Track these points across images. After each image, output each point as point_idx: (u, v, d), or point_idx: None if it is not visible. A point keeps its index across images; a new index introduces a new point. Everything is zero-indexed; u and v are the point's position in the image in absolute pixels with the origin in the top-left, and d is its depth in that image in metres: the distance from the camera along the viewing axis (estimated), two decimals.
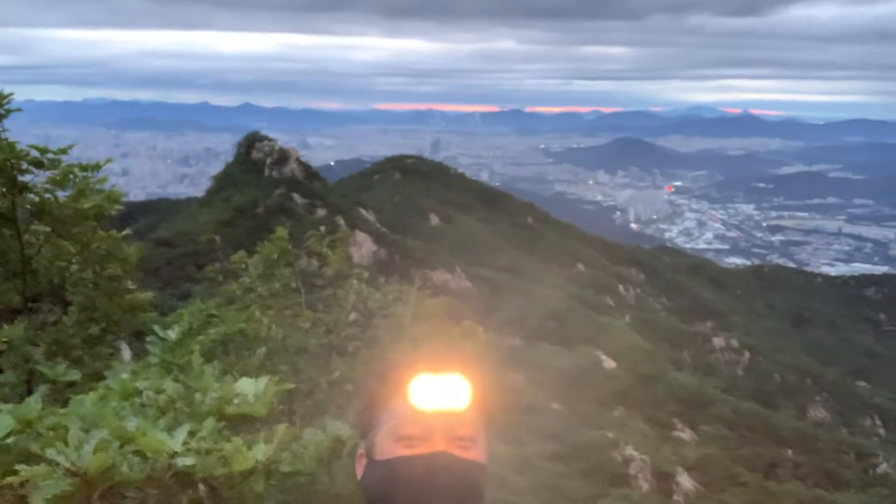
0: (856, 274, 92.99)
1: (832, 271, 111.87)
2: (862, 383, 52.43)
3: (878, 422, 46.83)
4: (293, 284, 4.95)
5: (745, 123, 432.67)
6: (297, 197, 56.13)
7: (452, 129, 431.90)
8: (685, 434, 38.73)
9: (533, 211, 76.81)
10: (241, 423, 2.08)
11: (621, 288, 63.51)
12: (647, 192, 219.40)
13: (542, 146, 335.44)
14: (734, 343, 53.84)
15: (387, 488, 1.36)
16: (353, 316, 4.90)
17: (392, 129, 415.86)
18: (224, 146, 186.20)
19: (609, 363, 44.18)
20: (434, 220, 66.81)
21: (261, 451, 1.87)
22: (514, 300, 47.09)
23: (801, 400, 48.06)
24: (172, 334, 2.41)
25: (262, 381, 2.05)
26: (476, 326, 4.68)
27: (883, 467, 36.07)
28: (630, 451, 30.84)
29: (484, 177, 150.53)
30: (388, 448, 1.38)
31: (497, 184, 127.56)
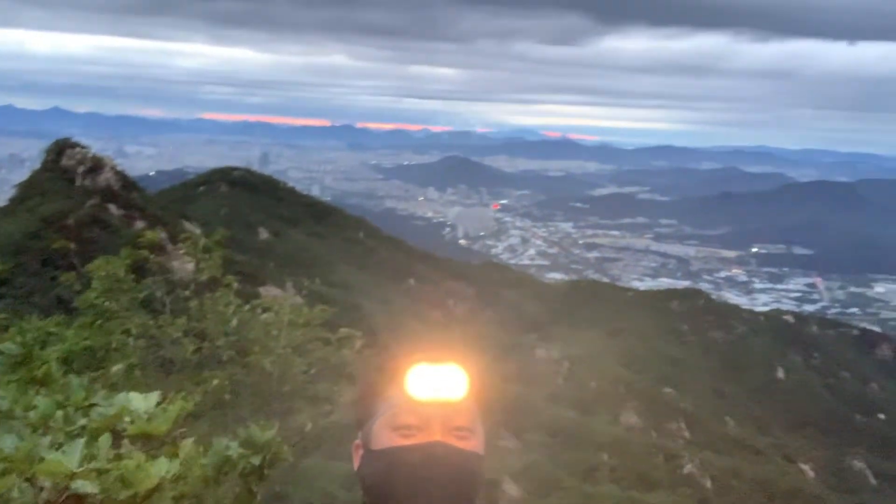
0: (662, 288, 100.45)
1: (641, 286, 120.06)
2: (668, 390, 56.46)
3: (683, 425, 50.60)
4: (157, 293, 4.62)
5: (564, 147, 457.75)
6: (112, 208, 52.60)
7: (283, 141, 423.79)
8: (510, 443, 40.01)
9: (364, 226, 76.71)
10: (134, 442, 1.86)
11: (451, 302, 64.80)
12: (474, 209, 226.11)
13: (374, 162, 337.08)
14: (555, 354, 56.40)
15: (384, 478, 1.35)
16: (234, 322, 4.64)
17: (219, 139, 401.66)
18: (30, 152, 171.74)
19: None
20: (263, 234, 65.01)
21: (164, 467, 1.68)
22: (346, 315, 46.76)
23: (614, 406, 51.02)
24: (13, 348, 2.13)
25: (153, 396, 1.84)
26: (354, 333, 4.59)
27: (688, 468, 39.00)
28: None
29: (315, 191, 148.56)
30: (385, 438, 1.37)
31: (328, 198, 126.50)
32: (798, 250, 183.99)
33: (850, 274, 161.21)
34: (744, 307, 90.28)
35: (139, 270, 4.69)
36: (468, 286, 70.26)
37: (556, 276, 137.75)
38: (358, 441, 1.46)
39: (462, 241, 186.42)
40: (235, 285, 5.03)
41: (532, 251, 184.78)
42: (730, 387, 61.42)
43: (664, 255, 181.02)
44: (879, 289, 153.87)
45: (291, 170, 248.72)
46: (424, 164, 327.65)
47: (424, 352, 1.41)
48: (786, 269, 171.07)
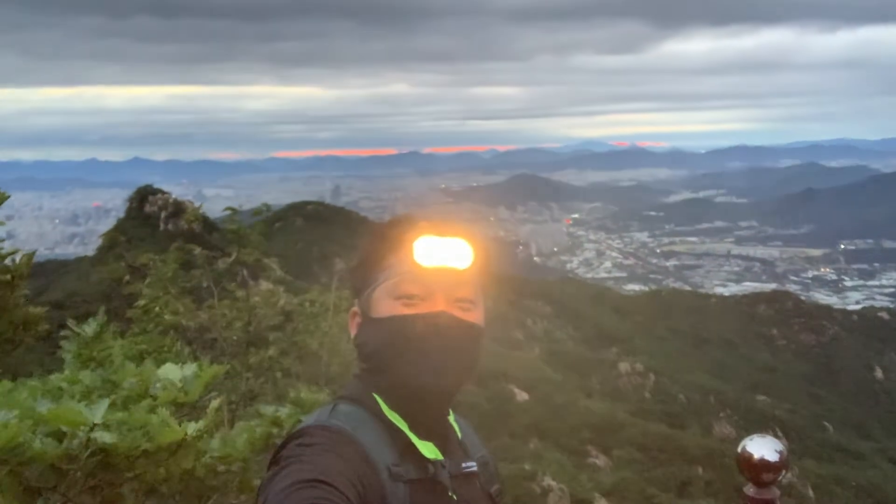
0: (747, 293, 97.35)
1: (725, 291, 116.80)
2: (762, 397, 54.61)
3: (779, 433, 48.75)
4: (204, 283, 4.79)
5: (633, 155, 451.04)
6: (195, 250, 54.50)
7: (353, 173, 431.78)
8: (599, 460, 39.24)
9: None
10: (167, 409, 1.90)
11: (529, 321, 64.36)
12: (546, 225, 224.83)
13: (443, 186, 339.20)
14: (639, 367, 55.17)
15: (386, 347, 1.32)
16: (281, 302, 4.76)
17: (291, 176, 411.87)
18: (114, 202, 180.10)
19: (522, 396, 44.49)
20: (339, 265, 66.11)
21: (191, 427, 1.71)
22: None
23: (706, 418, 49.56)
24: (89, 329, 2.28)
25: (190, 367, 1.87)
26: None
27: (788, 477, 37.43)
28: (548, 481, 30.98)
29: (387, 219, 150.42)
30: (385, 306, 1.33)
31: None
32: (888, 244, 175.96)
33: None
34: (835, 307, 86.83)
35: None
36: (545, 303, 69.76)
37: (635, 287, 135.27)
38: (355, 309, 1.40)
39: (536, 259, 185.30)
40: (278, 271, 5.14)
41: (608, 264, 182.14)
42: (826, 391, 59.05)
43: (747, 258, 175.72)
44: None
45: (363, 200, 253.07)
46: (493, 184, 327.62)
47: (429, 224, 1.36)
48: (876, 264, 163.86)
